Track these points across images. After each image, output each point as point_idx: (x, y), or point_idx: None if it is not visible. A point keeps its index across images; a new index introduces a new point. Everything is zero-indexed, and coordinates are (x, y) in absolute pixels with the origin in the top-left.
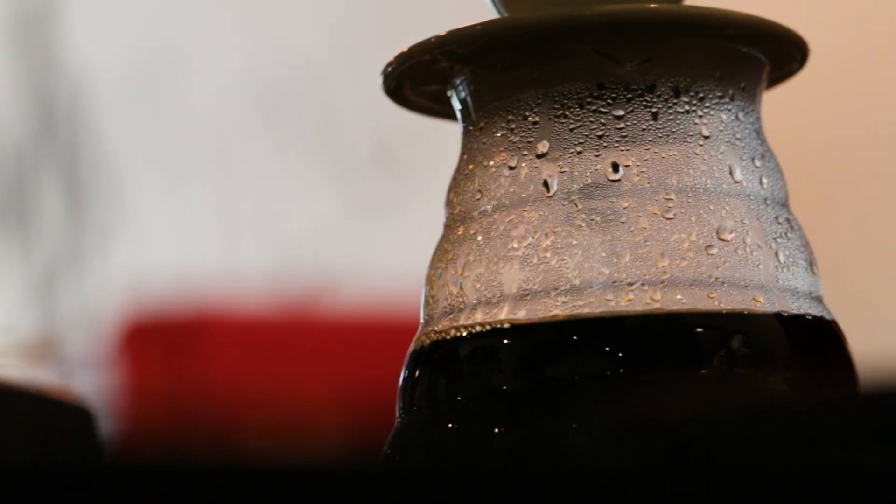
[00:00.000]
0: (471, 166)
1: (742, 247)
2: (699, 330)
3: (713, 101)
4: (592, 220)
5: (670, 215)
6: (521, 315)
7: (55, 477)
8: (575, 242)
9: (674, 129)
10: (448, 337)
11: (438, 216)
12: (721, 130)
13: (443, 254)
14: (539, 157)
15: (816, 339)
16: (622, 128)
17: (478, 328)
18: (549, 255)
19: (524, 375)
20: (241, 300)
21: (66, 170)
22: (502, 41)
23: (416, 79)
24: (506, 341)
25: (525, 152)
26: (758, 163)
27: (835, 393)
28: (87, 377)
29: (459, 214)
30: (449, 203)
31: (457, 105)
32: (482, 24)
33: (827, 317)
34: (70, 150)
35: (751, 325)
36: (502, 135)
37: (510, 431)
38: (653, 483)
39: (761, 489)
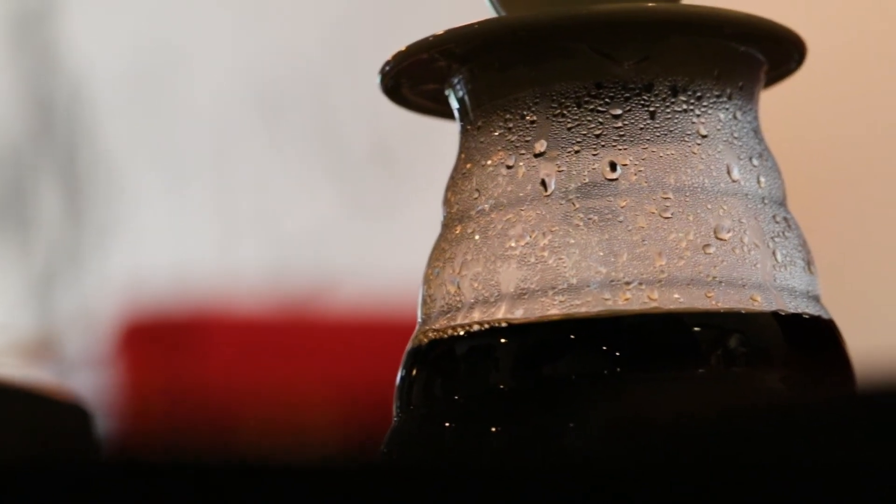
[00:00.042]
0: (468, 165)
1: (739, 246)
2: (696, 329)
3: (711, 101)
4: (590, 219)
5: (668, 214)
6: (519, 314)
7: (50, 475)
8: (572, 241)
9: (671, 129)
10: (445, 336)
11: (437, 216)
12: (719, 129)
13: (440, 253)
14: (537, 156)
15: (814, 338)
16: (620, 127)
17: (475, 327)
18: (546, 254)
19: (521, 374)
20: (240, 300)
21: (65, 169)
22: (500, 40)
23: (414, 78)
24: (503, 340)
25: (523, 151)
26: (755, 162)
27: (832, 392)
28: (86, 376)
29: (457, 213)
30: (447, 202)
31: (454, 104)
32: (480, 24)
33: (824, 316)
34: (69, 149)
35: (748, 325)
36: (500, 134)
37: (507, 430)
38: (650, 482)
39: (758, 488)
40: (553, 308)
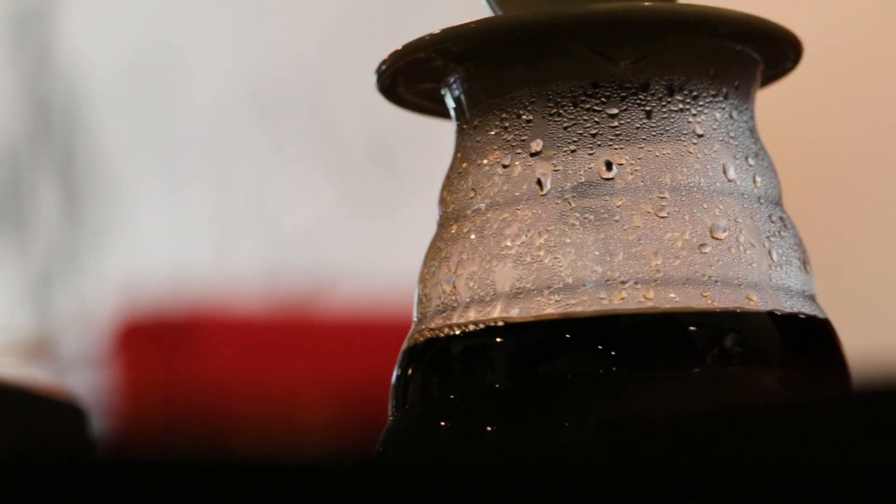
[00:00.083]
0: (464, 164)
1: (735, 245)
2: (692, 328)
3: (707, 100)
4: (586, 218)
5: (664, 214)
6: (515, 313)
7: (45, 474)
8: (568, 241)
9: (668, 128)
10: (441, 335)
11: (435, 215)
12: (715, 129)
13: (436, 252)
14: (533, 155)
15: (809, 337)
16: (616, 126)
17: (471, 326)
18: (542, 253)
19: (517, 374)
20: (238, 299)
21: (63, 169)
22: (496, 39)
23: (411, 77)
24: (499, 340)
25: (519, 150)
26: (751, 161)
27: (828, 391)
28: (83, 376)
29: (453, 213)
30: (442, 201)
31: (451, 103)
32: (476, 23)
33: (820, 315)
34: (66, 149)
35: (744, 324)
36: (496, 133)
37: (503, 430)
38: (646, 481)
39: (754, 487)
40: (549, 307)
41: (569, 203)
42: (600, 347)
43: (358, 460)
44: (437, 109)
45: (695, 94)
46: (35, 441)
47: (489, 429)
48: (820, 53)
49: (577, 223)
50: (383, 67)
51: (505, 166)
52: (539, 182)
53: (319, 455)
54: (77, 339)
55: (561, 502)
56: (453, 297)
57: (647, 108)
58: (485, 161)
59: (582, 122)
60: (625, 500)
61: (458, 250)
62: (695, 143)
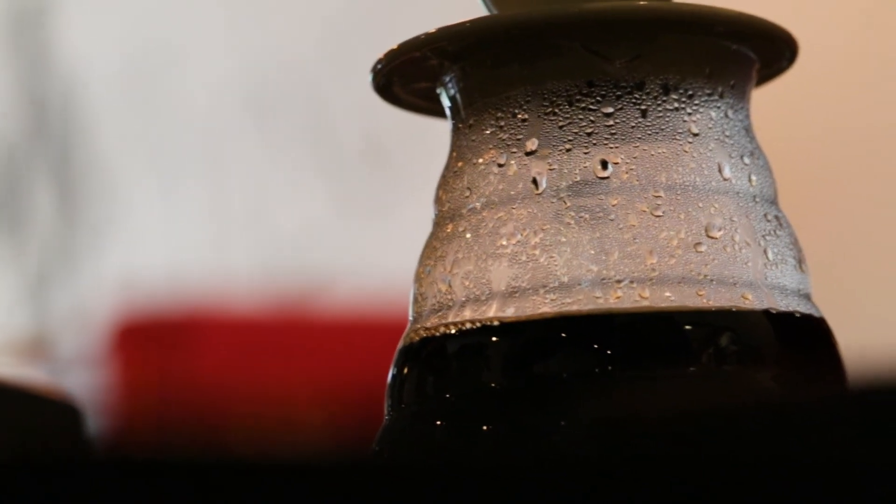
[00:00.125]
0: (460, 164)
1: (731, 244)
2: (688, 327)
3: (702, 99)
4: (581, 217)
5: (659, 213)
6: (510, 312)
7: (40, 473)
8: (564, 240)
9: (663, 127)
10: (437, 334)
11: (431, 214)
12: (710, 128)
13: (432, 251)
14: (528, 154)
15: (805, 336)
16: (611, 125)
17: (466, 325)
18: (537, 252)
19: (513, 373)
20: (234, 299)
21: (59, 169)
22: (492, 38)
23: (406, 76)
24: (494, 339)
25: (514, 150)
26: (747, 160)
27: (823, 390)
28: (79, 376)
29: (448, 212)
30: (438, 200)
31: (446, 102)
32: (472, 22)
33: (815, 314)
34: (63, 149)
35: (739, 323)
36: (491, 132)
37: (499, 428)
38: (641, 480)
39: (750, 486)
40: (544, 306)
41: (564, 202)
42: (596, 346)
43: (354, 459)
44: (432, 108)
45: (690, 93)
46: (31, 441)
47: (485, 428)
48: (815, 52)
49: (572, 222)
50: (379, 66)
51: (500, 165)
52: (534, 181)
53: (316, 454)
54: (74, 338)
55: (557, 501)
56: (449, 297)
57: (643, 107)
58: (480, 160)
59: (577, 121)
60: (620, 498)
61: (454, 249)
62: (690, 142)
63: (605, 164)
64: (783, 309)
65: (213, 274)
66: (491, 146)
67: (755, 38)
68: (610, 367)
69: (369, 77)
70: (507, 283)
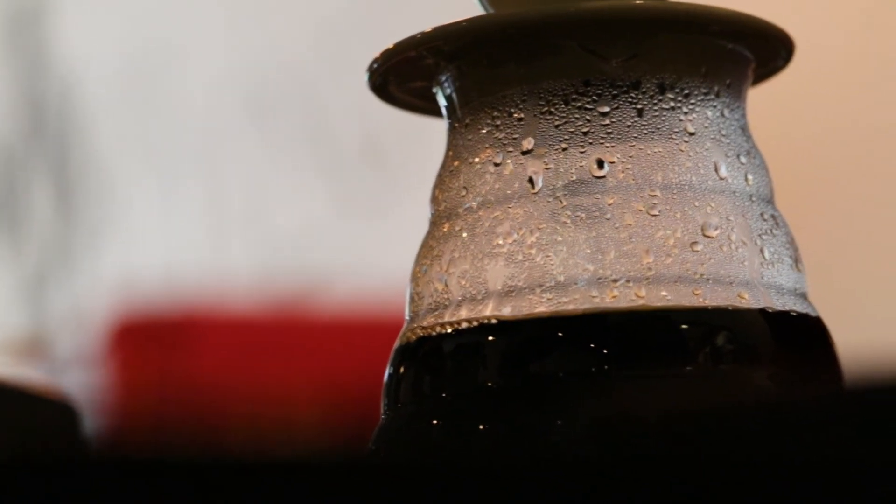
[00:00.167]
0: (456, 163)
1: (727, 243)
2: (684, 326)
3: (698, 98)
4: (577, 216)
5: (655, 212)
6: (506, 312)
7: (35, 473)
8: (560, 239)
9: (659, 126)
10: (433, 333)
11: (427, 214)
12: (706, 127)
13: (428, 250)
14: (524, 153)
15: (801, 335)
16: (607, 124)
17: (463, 325)
18: (534, 251)
19: (509, 372)
20: (231, 299)
21: (57, 169)
22: (488, 37)
23: (402, 75)
24: (491, 338)
25: (510, 149)
26: (743, 159)
27: (819, 389)
28: (77, 375)
29: (445, 211)
30: (434, 200)
31: (442, 101)
32: (468, 21)
33: (812, 313)
34: (60, 149)
35: (736, 322)
36: (488, 131)
37: (495, 428)
38: (637, 479)
39: (746, 484)
40: (540, 305)
41: (560, 201)
42: (592, 345)
43: (350, 459)
44: (428, 108)
45: (686, 92)
46: (28, 440)
47: (481, 427)
48: (811, 51)
49: (568, 221)
50: (375, 66)
51: (496, 164)
52: (531, 180)
53: (313, 453)
54: (71, 338)
55: (553, 500)
56: (445, 296)
57: (639, 107)
58: (476, 159)
59: (573, 120)
60: (617, 498)
61: (450, 249)
62: (686, 142)
63: (601, 164)
64: (779, 308)
65: (210, 273)
66: (487, 145)
67: (751, 38)
68: (606, 367)
69: (366, 77)
70: (503, 282)
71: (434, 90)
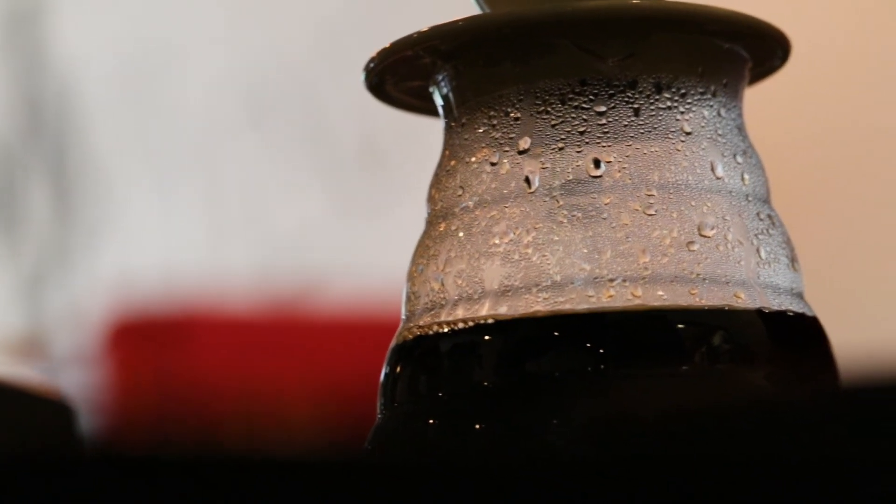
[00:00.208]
0: (452, 162)
1: (723, 243)
2: (680, 326)
3: (695, 98)
4: (574, 216)
5: (652, 211)
6: (503, 311)
7: (30, 471)
8: (556, 238)
9: (655, 126)
10: (429, 333)
11: (425, 213)
12: (703, 126)
13: (424, 250)
14: (521, 153)
15: (797, 335)
16: (604, 124)
17: (459, 324)
18: (530, 251)
19: (505, 371)
20: (229, 298)
21: (54, 168)
22: (484, 37)
23: (399, 75)
24: (487, 337)
25: (507, 148)
26: (739, 159)
27: (816, 388)
28: (74, 375)
29: (441, 210)
30: (431, 199)
31: (439, 101)
32: (464, 20)
33: (808, 313)
34: (58, 149)
35: (732, 322)
36: (484, 131)
37: (491, 427)
38: (634, 479)
39: (742, 484)
40: (537, 305)
41: (557, 201)
42: (588, 345)
43: (347, 457)
44: (425, 107)
45: (683, 91)
46: (24, 439)
47: (477, 426)
48: (808, 51)
49: (565, 221)
50: (371, 65)
51: (493, 164)
52: (527, 180)
53: (309, 452)
54: (68, 337)
55: (549, 500)
56: (441, 295)
57: (635, 106)
58: (473, 159)
59: (570, 119)
60: (613, 497)
61: (447, 248)
62: (683, 141)
63: (597, 163)
64: (776, 308)
65: (208, 273)
66: (483, 145)
67: (748, 37)
68: (603, 366)
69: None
70: (499, 281)
71: (431, 89)
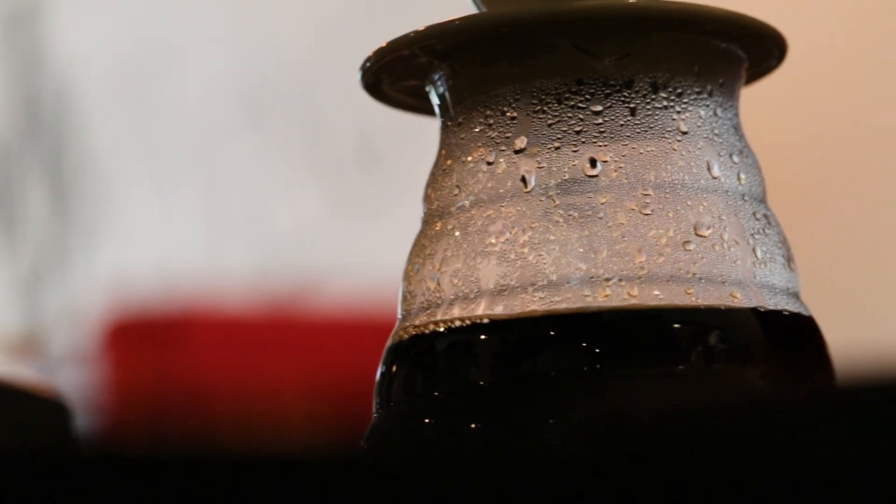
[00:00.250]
0: (449, 161)
1: (719, 242)
2: (676, 325)
3: (691, 97)
4: (570, 215)
5: (648, 211)
6: (499, 310)
7: (25, 470)
8: (552, 238)
9: (652, 125)
10: (425, 332)
11: (421, 213)
12: (699, 126)
13: (420, 249)
14: (517, 152)
15: (793, 334)
16: (600, 123)
17: (455, 323)
18: (526, 250)
19: (501, 371)
20: (226, 298)
21: (52, 168)
22: (481, 36)
23: (395, 74)
24: (483, 336)
25: (503, 148)
26: (736, 159)
27: (812, 388)
28: (72, 373)
29: (437, 210)
30: (427, 198)
31: (435, 100)
32: (461, 20)
33: (804, 312)
34: (56, 148)
35: (728, 321)
36: (480, 130)
37: (487, 426)
38: (630, 478)
39: (738, 483)
40: (533, 304)
41: (553, 200)
42: (584, 344)
43: (343, 457)
44: (421, 106)
45: (679, 91)
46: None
47: (473, 426)
48: (804, 51)
49: (561, 220)
50: (368, 64)
51: (489, 163)
52: (523, 179)
53: (305, 451)
54: (66, 336)
55: (545, 499)
56: (437, 295)
57: (632, 105)
58: (469, 158)
59: (566, 119)
60: (609, 496)
61: (443, 247)
62: (679, 141)
63: (593, 163)
64: (772, 307)
65: (206, 272)
66: (480, 144)
67: (744, 37)
68: (598, 366)
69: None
70: (495, 281)
71: (427, 89)
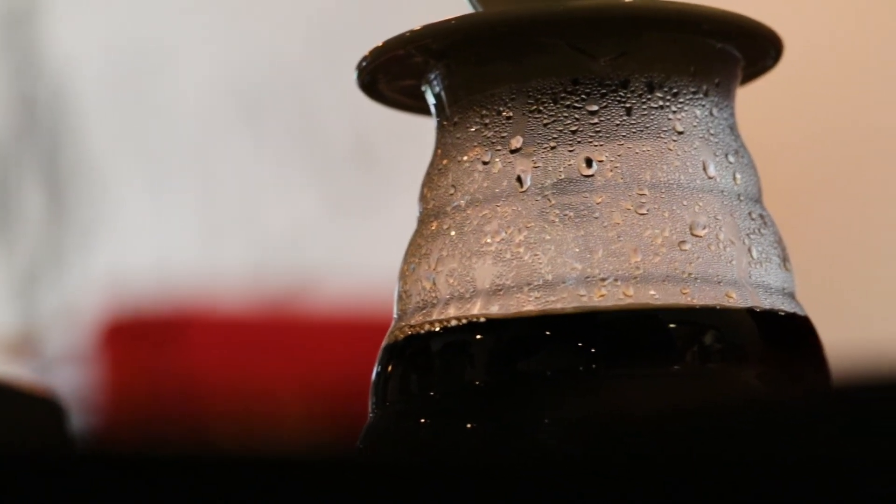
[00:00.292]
0: (444, 161)
1: (715, 242)
2: (672, 325)
3: (687, 97)
4: (566, 215)
5: (643, 211)
6: (494, 310)
7: (21, 469)
8: (548, 238)
9: (647, 125)
10: (421, 332)
11: (417, 213)
12: (695, 126)
13: (416, 249)
14: (513, 152)
15: (789, 334)
16: (596, 123)
17: (451, 323)
18: (522, 250)
19: (497, 370)
20: (222, 298)
21: (48, 168)
22: (477, 36)
23: (391, 73)
24: (478, 336)
25: (499, 147)
26: (731, 159)
27: (807, 388)
28: (68, 373)
29: (433, 209)
30: (422, 198)
31: (431, 100)
32: (457, 19)
33: (800, 313)
34: (52, 148)
35: (723, 321)
36: (476, 129)
37: (483, 426)
38: (625, 478)
39: (734, 483)
40: (529, 304)
41: (549, 200)
42: (580, 344)
43: (338, 456)
44: (417, 106)
45: (675, 91)
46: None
47: (469, 426)
48: (800, 51)
49: (556, 220)
50: (363, 64)
51: (485, 163)
52: (519, 179)
53: (301, 451)
54: (62, 336)
55: (541, 499)
56: (433, 294)
57: (627, 105)
58: (465, 158)
59: (562, 118)
60: (605, 496)
61: (438, 247)
62: (675, 141)
63: (589, 162)
64: (767, 307)
65: (201, 272)
66: (476, 144)
67: (740, 37)
68: (594, 365)
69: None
70: (491, 280)
71: (423, 88)
